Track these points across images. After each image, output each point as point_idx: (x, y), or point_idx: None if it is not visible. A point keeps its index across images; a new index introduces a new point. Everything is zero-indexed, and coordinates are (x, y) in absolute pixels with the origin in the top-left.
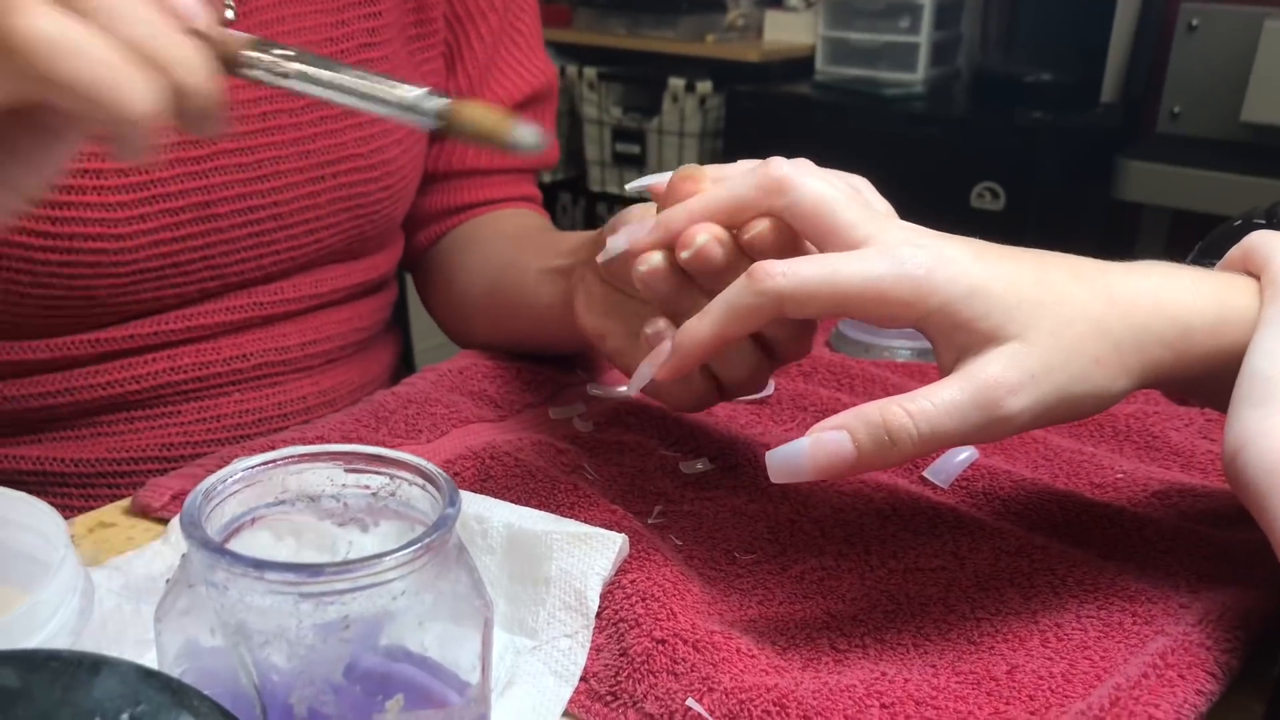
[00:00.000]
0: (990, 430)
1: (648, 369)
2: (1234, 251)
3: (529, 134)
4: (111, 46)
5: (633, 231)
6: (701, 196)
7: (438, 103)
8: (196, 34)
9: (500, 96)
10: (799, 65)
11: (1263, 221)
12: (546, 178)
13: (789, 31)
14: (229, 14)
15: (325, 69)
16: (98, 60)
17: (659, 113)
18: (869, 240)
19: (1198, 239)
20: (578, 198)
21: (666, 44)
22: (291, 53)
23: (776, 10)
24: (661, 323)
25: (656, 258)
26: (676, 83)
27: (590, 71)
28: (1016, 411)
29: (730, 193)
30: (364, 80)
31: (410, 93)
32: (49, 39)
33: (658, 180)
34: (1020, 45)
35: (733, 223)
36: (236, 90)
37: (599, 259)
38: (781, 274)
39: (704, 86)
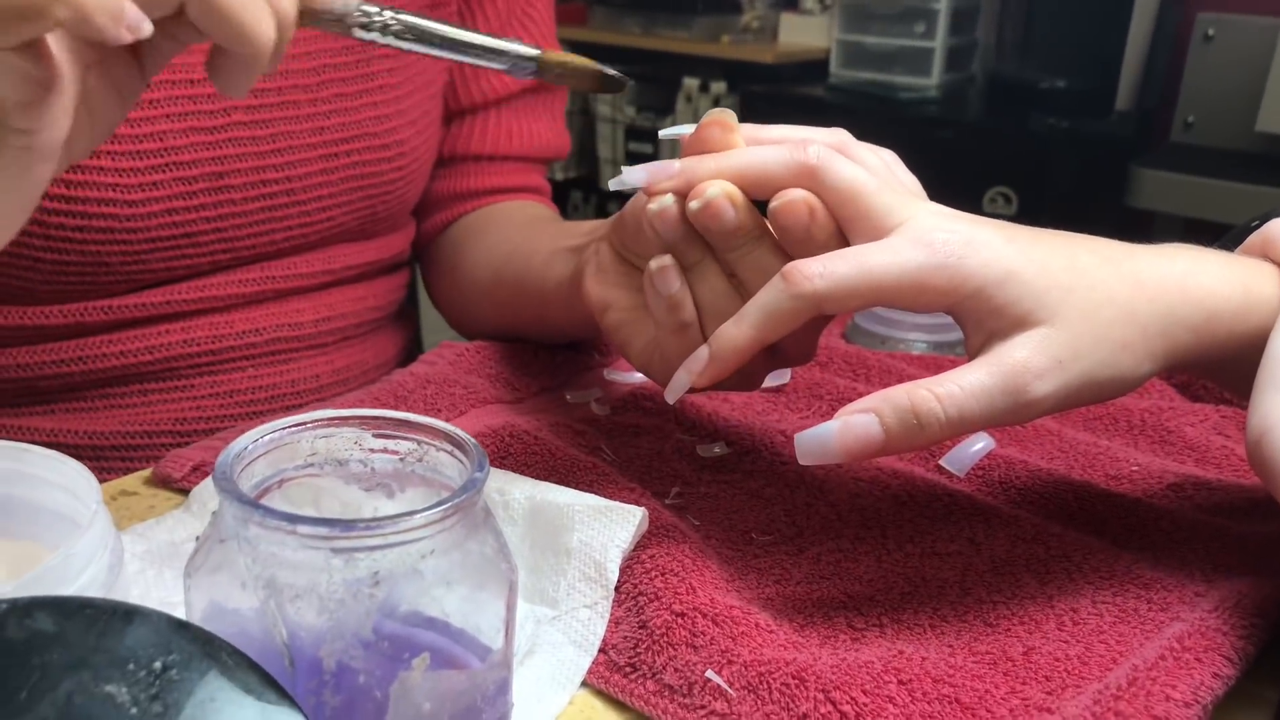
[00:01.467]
0: (1016, 415)
1: (685, 376)
2: (1254, 239)
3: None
4: None
5: (654, 169)
6: (731, 155)
7: (530, 50)
8: None
9: (506, 80)
10: (813, 68)
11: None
12: (559, 175)
13: (804, 34)
14: None
15: (434, 25)
16: None
17: (673, 112)
18: (899, 227)
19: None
20: (589, 196)
21: (681, 44)
22: (400, 12)
23: (792, 12)
24: (667, 259)
25: (669, 200)
26: (691, 83)
27: None
28: (1042, 396)
29: (762, 163)
30: (464, 33)
31: (508, 44)
32: None
33: (690, 130)
34: (1035, 52)
35: (756, 194)
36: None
37: (611, 184)
38: (819, 274)
39: (718, 87)
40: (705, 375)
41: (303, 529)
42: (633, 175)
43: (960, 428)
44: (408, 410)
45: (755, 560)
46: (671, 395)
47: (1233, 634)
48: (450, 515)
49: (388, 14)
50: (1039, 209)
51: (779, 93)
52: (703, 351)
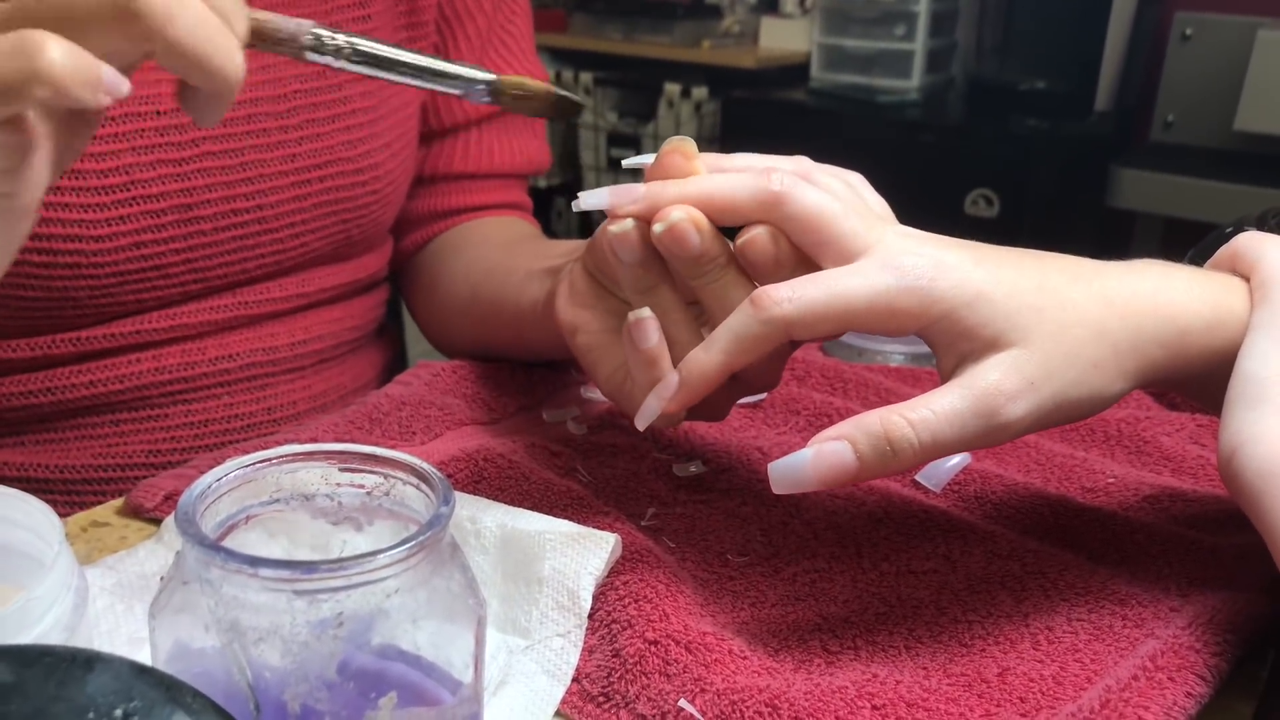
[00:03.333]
0: (990, 437)
1: (655, 402)
2: (1222, 253)
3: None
4: (210, 12)
5: (618, 192)
6: (697, 182)
7: (487, 75)
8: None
9: None
10: (794, 71)
11: (1253, 228)
12: (541, 183)
13: (784, 38)
14: None
15: (387, 50)
16: (207, 23)
17: (654, 118)
18: (867, 251)
19: (1191, 247)
20: (572, 202)
21: (662, 49)
22: (352, 36)
23: (772, 17)
24: (646, 311)
25: (630, 224)
26: (672, 88)
27: (586, 76)
28: (1016, 419)
29: (727, 192)
30: (418, 58)
31: (463, 69)
32: (163, 6)
33: (652, 159)
34: (1015, 53)
35: (721, 221)
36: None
37: (575, 205)
38: (787, 299)
39: (699, 92)
40: (675, 401)
41: (264, 572)
42: (595, 197)
43: (934, 453)
44: (382, 433)
45: (730, 583)
46: (641, 422)
47: (1206, 651)
48: (415, 553)
49: (340, 38)
50: (1020, 210)
51: (760, 97)
52: (672, 378)
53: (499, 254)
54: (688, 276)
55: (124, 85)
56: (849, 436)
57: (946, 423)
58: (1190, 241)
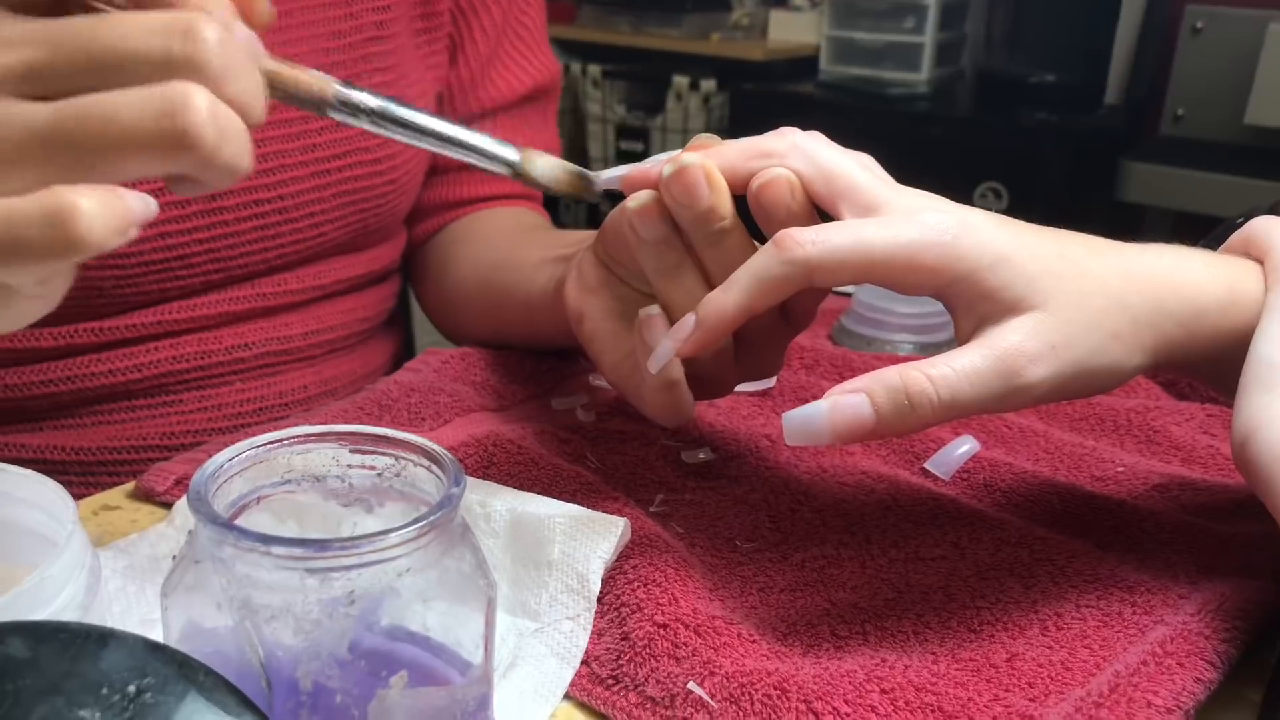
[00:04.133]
0: (1008, 400)
1: (670, 344)
2: (1235, 238)
3: (563, 179)
4: (241, 122)
5: (638, 167)
6: (712, 149)
7: (512, 152)
8: (283, 75)
9: (501, 90)
10: (803, 64)
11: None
12: None
13: (794, 30)
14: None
15: (410, 113)
16: (241, 139)
17: (663, 110)
18: (888, 204)
19: (1200, 241)
20: (582, 201)
21: (671, 42)
22: (378, 98)
23: (781, 9)
24: (655, 309)
25: (649, 196)
26: (680, 81)
27: (594, 69)
28: (1036, 381)
29: (742, 148)
30: (445, 126)
31: (487, 142)
32: (214, 135)
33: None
34: (1025, 46)
35: (739, 175)
36: None
37: (597, 183)
38: (811, 242)
39: (708, 85)
40: (691, 342)
41: (277, 550)
42: (615, 172)
43: (952, 411)
44: (392, 420)
45: (739, 568)
46: (655, 364)
47: (1215, 638)
48: (426, 533)
49: (372, 100)
50: (1029, 203)
51: (769, 90)
52: (689, 319)
53: (509, 243)
54: (697, 240)
55: (153, 207)
56: (867, 389)
57: (967, 381)
58: (1200, 236)
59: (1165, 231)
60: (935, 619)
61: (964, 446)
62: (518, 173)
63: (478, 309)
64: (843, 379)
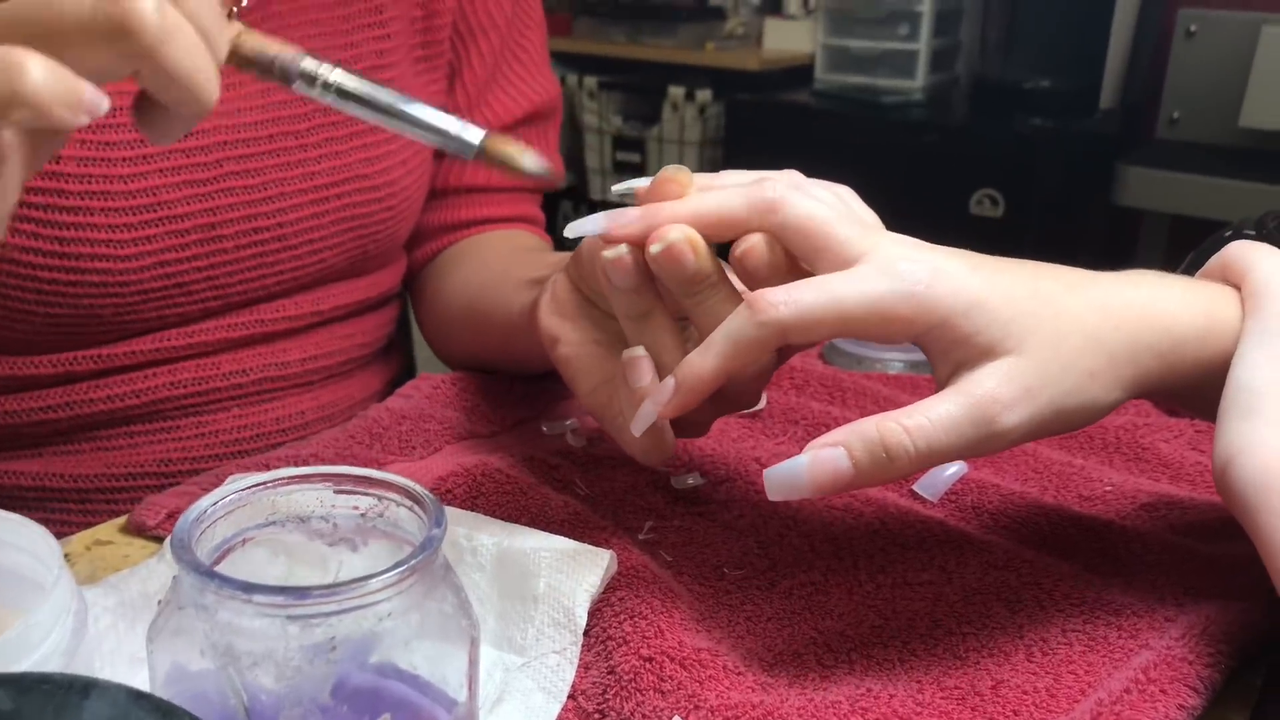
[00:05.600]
0: (986, 445)
1: (651, 408)
2: (1213, 263)
3: (532, 160)
4: (199, 37)
5: (614, 215)
6: (690, 201)
7: (477, 134)
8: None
9: (499, 112)
10: (799, 73)
11: (1252, 232)
12: None
13: (789, 39)
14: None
15: (376, 91)
16: (195, 48)
17: (659, 121)
18: (863, 257)
19: (1198, 244)
20: (579, 205)
21: (666, 52)
22: (344, 73)
23: (776, 18)
24: (640, 350)
25: (624, 248)
26: (676, 91)
27: (590, 80)
28: (1012, 426)
29: (719, 205)
30: (410, 104)
31: (453, 123)
32: (158, 27)
33: (643, 183)
34: (1019, 52)
35: (717, 236)
36: (241, 114)
37: (567, 231)
38: (783, 302)
39: (704, 95)
40: (671, 405)
41: (258, 598)
42: (593, 223)
43: (930, 460)
44: (383, 448)
45: (727, 597)
46: (638, 428)
47: (1199, 663)
48: (407, 577)
49: (336, 73)
50: (1026, 209)
51: (764, 99)
52: (668, 382)
53: (498, 265)
54: (681, 296)
55: (104, 103)
56: (845, 443)
57: (943, 430)
58: (1198, 239)
59: (1163, 235)
60: (921, 646)
61: (952, 468)
62: (482, 152)
63: (465, 332)
64: (833, 399)
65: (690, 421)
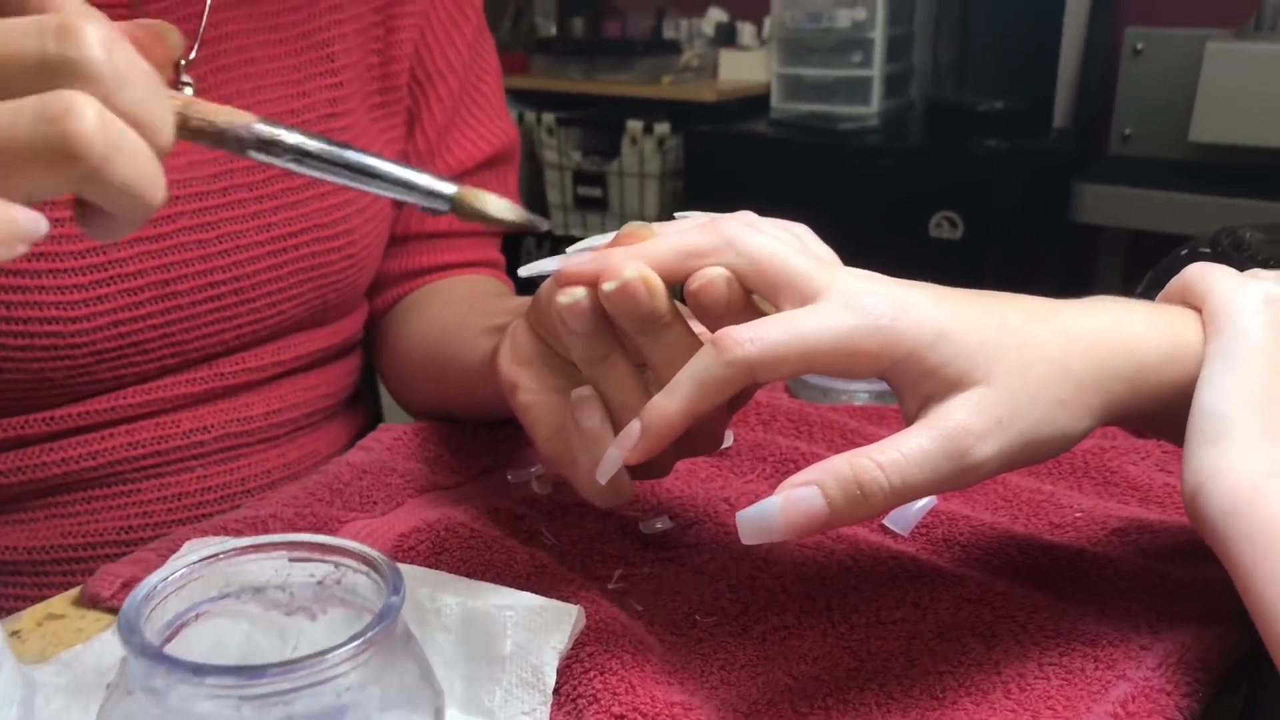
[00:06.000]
0: (960, 478)
1: (617, 453)
2: (1172, 285)
3: (506, 209)
4: (144, 144)
5: (568, 259)
6: (644, 244)
7: (449, 187)
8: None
9: (460, 157)
10: (755, 103)
11: (1208, 250)
12: None
13: (744, 70)
14: (187, 90)
15: (339, 150)
16: (140, 157)
17: (618, 155)
18: (825, 291)
19: (1156, 258)
20: (541, 242)
21: (623, 87)
22: (301, 135)
23: (730, 49)
24: (588, 390)
25: (580, 292)
26: (634, 125)
27: (549, 117)
28: (986, 458)
29: (675, 244)
30: (373, 161)
31: (421, 178)
32: (103, 145)
33: (605, 239)
34: (971, 75)
35: (673, 276)
36: (194, 167)
37: (520, 271)
38: (749, 340)
39: (662, 128)
40: (638, 450)
41: (210, 680)
42: (546, 264)
43: (905, 496)
44: (344, 504)
45: (699, 645)
46: (603, 474)
47: (1177, 693)
48: (366, 649)
49: (294, 136)
50: (986, 230)
51: (722, 130)
52: (634, 426)
53: (457, 310)
54: (636, 335)
55: (42, 227)
56: (818, 482)
57: (916, 465)
58: (1155, 253)
59: (1121, 250)
60: (898, 688)
61: (922, 501)
62: (455, 206)
63: (426, 380)
64: (800, 434)
65: (651, 464)
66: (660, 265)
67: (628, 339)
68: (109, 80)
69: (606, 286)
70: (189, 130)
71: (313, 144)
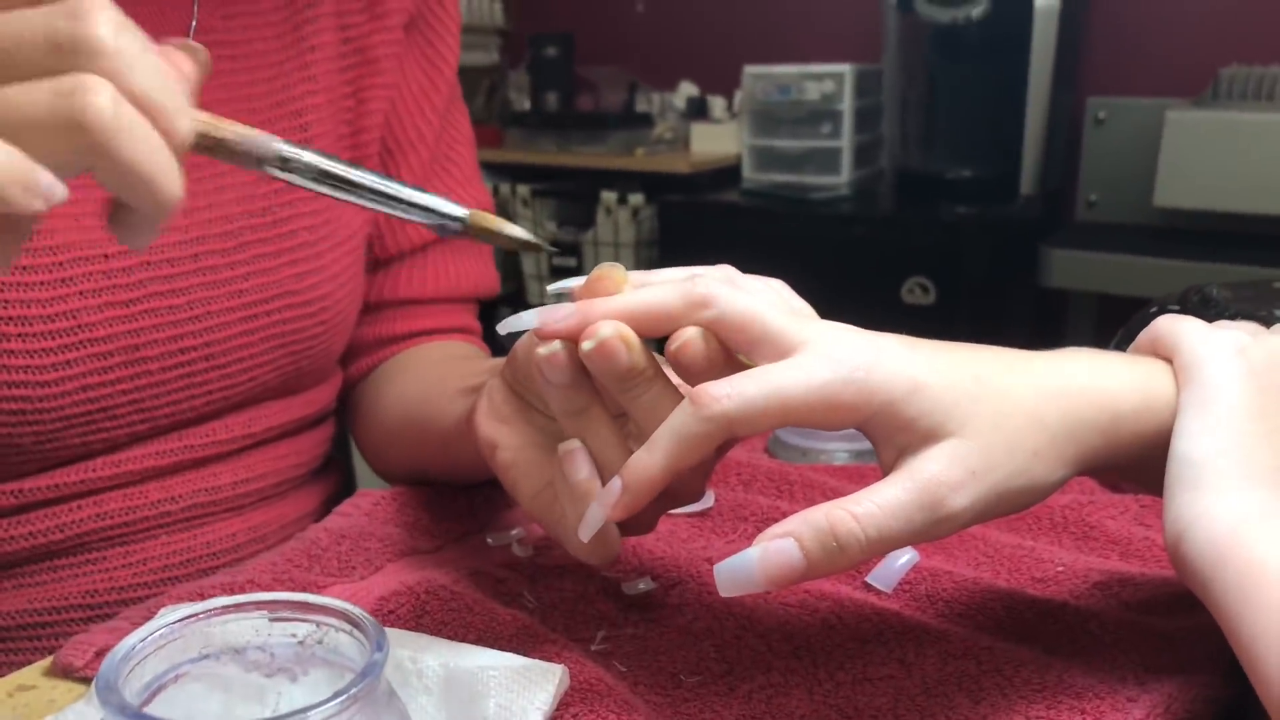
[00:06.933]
0: (935, 529)
1: (599, 510)
2: (1142, 338)
3: (518, 230)
4: (156, 132)
5: (545, 312)
6: (624, 297)
7: (462, 210)
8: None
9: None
10: (727, 174)
11: (1177, 308)
12: None
13: (716, 142)
14: None
15: (355, 172)
16: (149, 141)
17: (593, 225)
18: (801, 345)
19: (1124, 321)
20: (517, 311)
21: (597, 159)
22: (320, 155)
23: (702, 122)
24: (576, 443)
25: (558, 345)
26: (609, 196)
27: (523, 189)
28: (960, 509)
29: (653, 302)
30: (389, 184)
31: (435, 200)
32: (113, 118)
33: (577, 282)
34: (940, 144)
35: (650, 331)
36: (165, 233)
37: (500, 328)
38: (726, 395)
39: (636, 199)
40: (619, 507)
41: None
42: (524, 319)
43: (881, 547)
44: (322, 570)
45: (685, 705)
46: (586, 531)
47: None
48: (349, 706)
49: (308, 156)
50: (957, 295)
51: (695, 200)
52: (615, 484)
53: (433, 375)
54: (617, 392)
55: (59, 190)
56: (795, 533)
57: (891, 516)
58: (1123, 316)
59: (1090, 314)
60: None
61: (904, 557)
62: (467, 228)
63: (402, 445)
64: (780, 493)
65: (635, 520)
66: (637, 321)
67: (609, 393)
68: (117, 59)
69: (585, 346)
70: (209, 143)
71: (332, 165)
